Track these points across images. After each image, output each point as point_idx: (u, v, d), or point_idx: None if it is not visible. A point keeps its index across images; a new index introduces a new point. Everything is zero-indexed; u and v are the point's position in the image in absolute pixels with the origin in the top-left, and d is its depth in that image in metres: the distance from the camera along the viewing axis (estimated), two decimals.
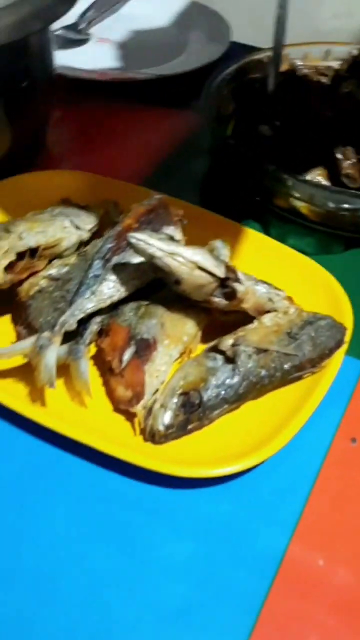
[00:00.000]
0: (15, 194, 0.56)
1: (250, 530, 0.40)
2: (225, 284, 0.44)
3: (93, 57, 0.82)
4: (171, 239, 0.46)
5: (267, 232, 0.60)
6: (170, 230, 0.49)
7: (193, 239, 0.49)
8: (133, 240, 0.42)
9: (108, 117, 0.75)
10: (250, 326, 0.45)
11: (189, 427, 0.42)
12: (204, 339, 0.47)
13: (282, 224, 0.59)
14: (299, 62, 0.72)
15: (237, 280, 0.44)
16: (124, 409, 0.43)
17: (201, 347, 0.46)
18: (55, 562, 0.38)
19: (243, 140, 0.61)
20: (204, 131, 0.66)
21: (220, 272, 0.43)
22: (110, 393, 0.44)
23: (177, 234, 0.50)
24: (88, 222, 0.52)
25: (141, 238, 0.42)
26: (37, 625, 0.35)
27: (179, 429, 0.41)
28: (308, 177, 0.60)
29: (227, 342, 0.44)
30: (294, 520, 0.40)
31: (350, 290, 0.50)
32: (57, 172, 0.61)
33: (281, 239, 0.58)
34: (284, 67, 0.72)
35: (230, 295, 0.44)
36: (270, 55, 0.64)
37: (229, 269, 0.44)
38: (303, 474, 0.42)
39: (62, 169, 0.64)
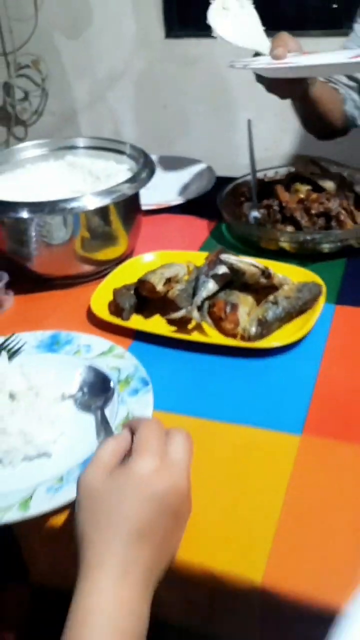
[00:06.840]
0: (134, 266, 1.10)
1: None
2: (264, 272, 0.96)
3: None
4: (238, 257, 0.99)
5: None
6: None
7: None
8: (224, 257, 0.95)
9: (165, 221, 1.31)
10: (280, 291, 0.97)
11: (262, 332, 0.92)
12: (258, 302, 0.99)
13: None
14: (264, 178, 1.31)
15: (268, 270, 0.97)
16: (230, 333, 0.93)
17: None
18: None
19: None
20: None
21: (261, 266, 0.96)
22: (221, 329, 0.94)
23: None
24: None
25: (226, 257, 0.96)
26: None
27: (257, 335, 0.92)
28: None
29: (271, 297, 0.95)
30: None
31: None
32: (155, 253, 1.15)
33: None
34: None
35: (268, 276, 0.96)
36: (247, 179, 1.23)
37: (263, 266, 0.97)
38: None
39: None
